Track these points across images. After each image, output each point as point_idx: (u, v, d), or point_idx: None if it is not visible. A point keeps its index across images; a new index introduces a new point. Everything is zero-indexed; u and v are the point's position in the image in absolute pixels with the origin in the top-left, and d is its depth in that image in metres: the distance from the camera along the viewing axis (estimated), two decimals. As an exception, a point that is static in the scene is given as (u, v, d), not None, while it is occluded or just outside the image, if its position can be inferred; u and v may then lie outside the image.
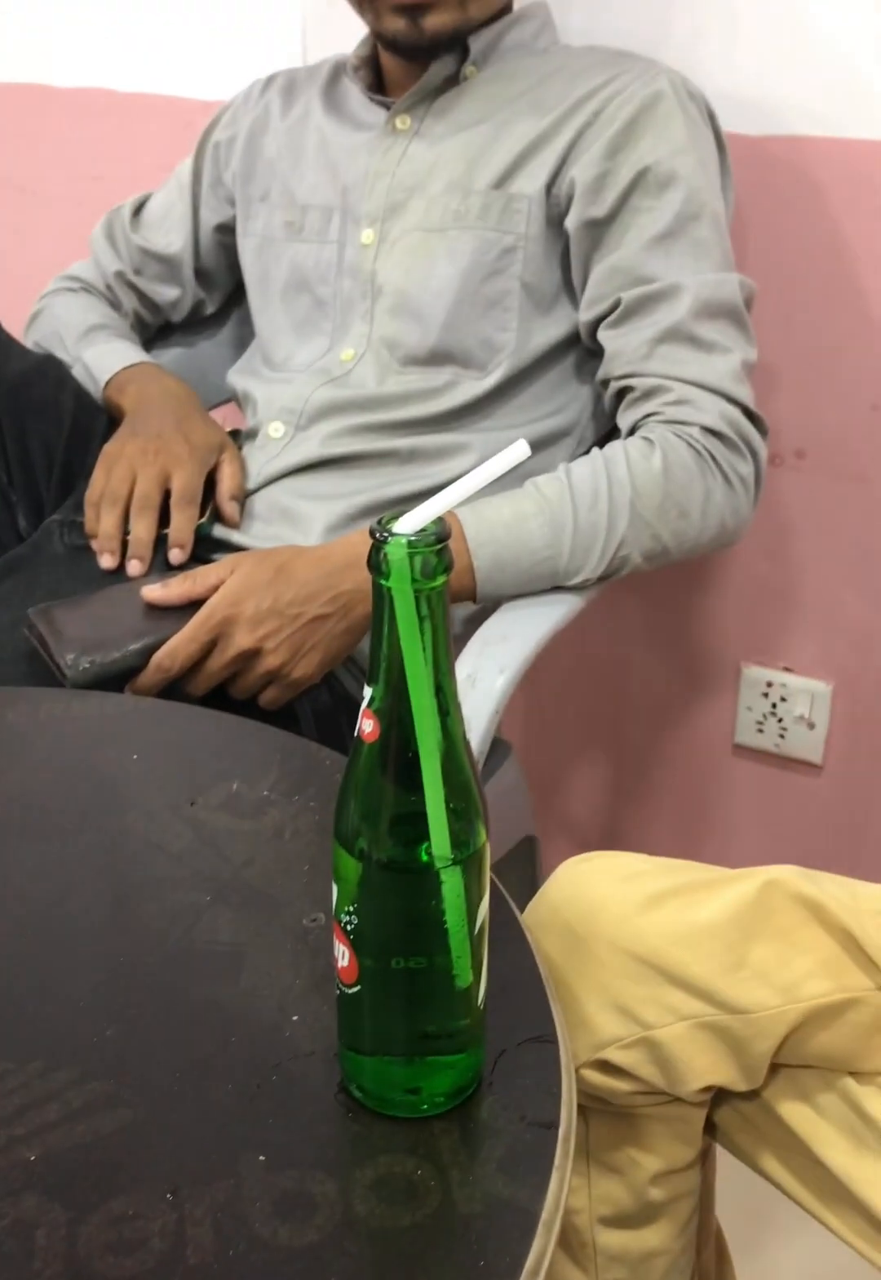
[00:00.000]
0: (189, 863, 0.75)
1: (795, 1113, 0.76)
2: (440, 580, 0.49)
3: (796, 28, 1.23)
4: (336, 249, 1.20)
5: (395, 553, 0.48)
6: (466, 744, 0.53)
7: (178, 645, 0.97)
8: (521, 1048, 0.62)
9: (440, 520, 0.49)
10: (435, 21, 1.09)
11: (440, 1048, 0.57)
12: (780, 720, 1.50)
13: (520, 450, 0.48)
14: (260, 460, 1.19)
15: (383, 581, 0.48)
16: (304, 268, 1.22)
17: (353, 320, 1.19)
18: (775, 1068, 0.76)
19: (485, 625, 1.03)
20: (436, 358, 1.14)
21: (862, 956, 0.72)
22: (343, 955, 0.56)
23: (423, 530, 0.48)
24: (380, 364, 1.16)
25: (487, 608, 1.07)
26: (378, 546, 0.48)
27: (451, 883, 0.53)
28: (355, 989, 0.56)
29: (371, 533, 0.48)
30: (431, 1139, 0.57)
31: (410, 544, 0.48)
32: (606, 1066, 0.75)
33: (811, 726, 1.48)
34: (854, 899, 0.74)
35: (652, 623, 1.54)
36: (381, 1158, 0.56)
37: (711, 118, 1.13)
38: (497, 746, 1.30)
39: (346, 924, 0.55)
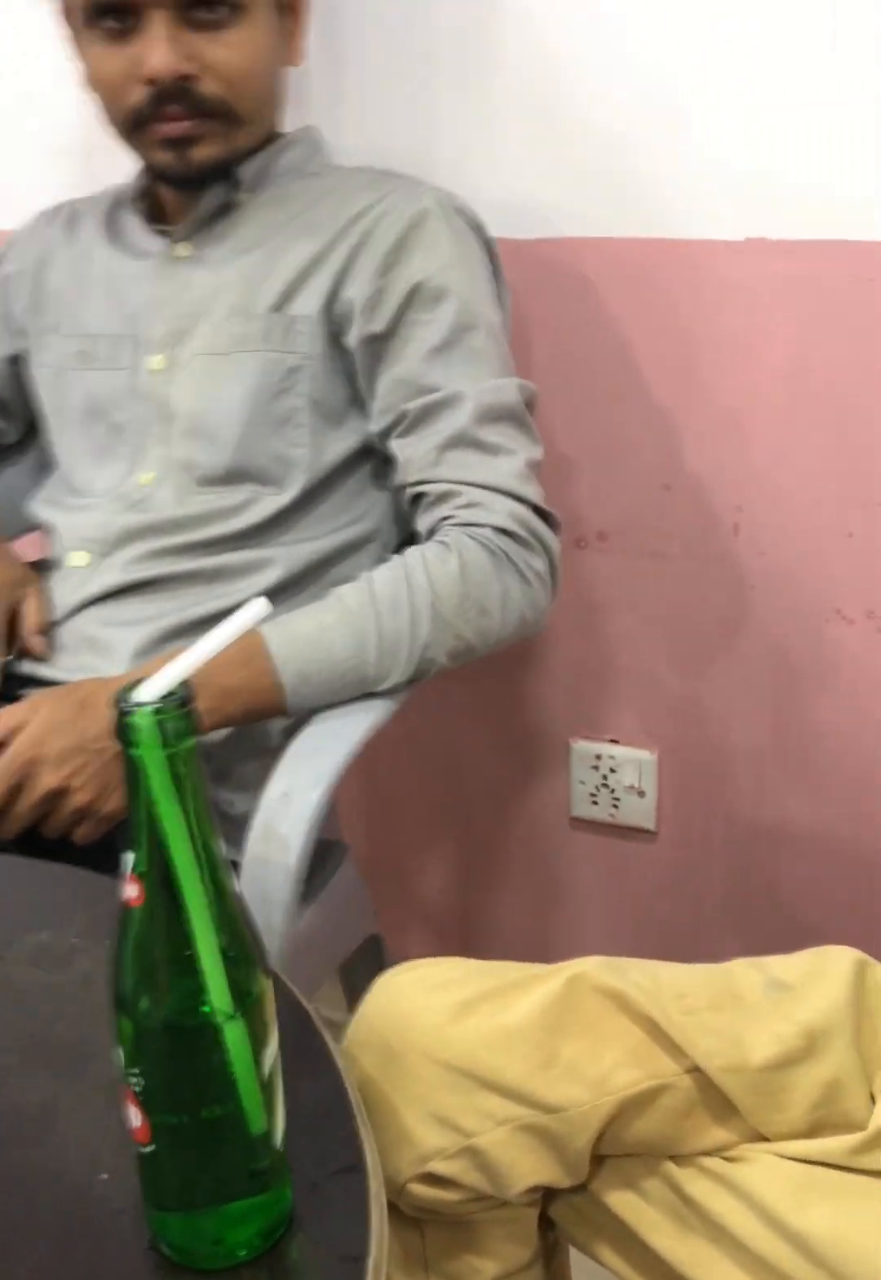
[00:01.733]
0: (-5, 1024, 0.73)
1: (622, 1201, 0.78)
2: (189, 742, 0.49)
3: (554, 137, 1.28)
4: (128, 375, 1.20)
5: (142, 721, 0.48)
6: (237, 894, 0.53)
7: (-20, 792, 0.95)
8: (332, 1180, 0.62)
9: (185, 682, 0.50)
10: (201, 153, 1.12)
11: (242, 1192, 0.57)
12: (612, 791, 1.53)
13: (258, 608, 0.50)
14: (64, 590, 1.18)
15: (132, 750, 0.49)
16: (98, 395, 1.22)
17: (148, 444, 1.19)
18: (600, 1159, 0.78)
19: (297, 738, 1.04)
20: (233, 476, 1.15)
21: (667, 1041, 0.74)
22: (134, 1116, 0.56)
23: (168, 695, 0.49)
24: (178, 486, 1.17)
25: (303, 718, 1.08)
26: (122, 716, 0.48)
27: (235, 1034, 0.53)
28: (151, 1148, 0.56)
29: (115, 703, 0.49)
30: (241, 1289, 0.57)
31: (157, 711, 0.48)
32: (433, 1178, 0.76)
33: (641, 794, 1.52)
34: (655, 984, 0.76)
35: (482, 708, 1.57)
36: (191, 1316, 0.55)
37: (479, 229, 1.17)
38: (333, 849, 1.31)
39: (134, 1085, 0.55)
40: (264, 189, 1.19)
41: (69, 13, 1.13)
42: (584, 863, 1.59)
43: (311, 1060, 0.69)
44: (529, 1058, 0.74)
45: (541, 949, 1.65)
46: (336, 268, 1.12)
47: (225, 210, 1.19)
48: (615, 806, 1.54)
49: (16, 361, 1.33)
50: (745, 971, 0.79)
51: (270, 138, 1.20)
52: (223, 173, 1.16)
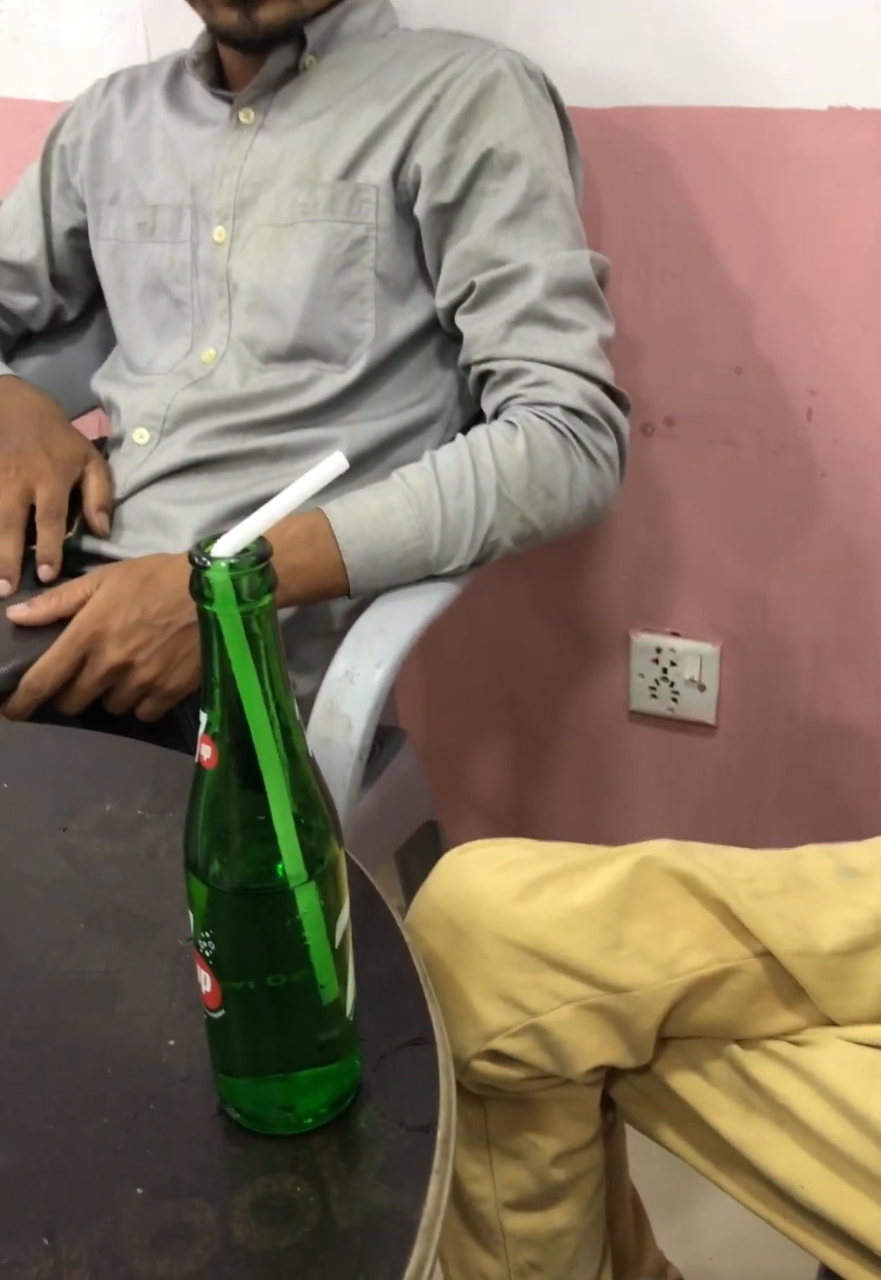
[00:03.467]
0: (61, 891, 0.73)
1: (686, 1083, 0.77)
2: (266, 600, 0.48)
3: (630, 2, 1.23)
4: (190, 248, 1.18)
5: (217, 577, 0.47)
6: (310, 758, 0.52)
7: (46, 665, 0.95)
8: (400, 1052, 0.62)
9: (261, 539, 0.48)
10: (267, 13, 1.08)
11: (312, 1061, 0.57)
12: (671, 685, 1.51)
13: (336, 463, 0.48)
14: (126, 468, 1.17)
15: (206, 606, 0.48)
16: (159, 269, 1.20)
17: (212, 320, 1.17)
18: (664, 1040, 0.78)
19: (360, 619, 1.03)
20: (296, 353, 1.13)
21: (737, 925, 0.73)
22: (205, 981, 0.55)
23: (244, 551, 0.48)
24: (241, 363, 1.14)
25: (365, 600, 1.07)
26: (198, 572, 0.47)
27: (307, 900, 0.53)
28: (221, 1013, 0.56)
29: (190, 558, 0.47)
30: (310, 1155, 0.57)
31: (231, 566, 0.47)
32: (497, 1056, 0.76)
33: (702, 689, 1.50)
34: (727, 868, 0.75)
35: (541, 598, 1.55)
36: (260, 1179, 0.56)
37: (552, 94, 1.13)
38: (392, 735, 1.31)
39: (205, 949, 0.54)
40: (331, 52, 1.15)
41: None
42: (641, 756, 1.58)
43: (379, 933, 0.69)
44: (596, 938, 0.73)
45: (596, 841, 1.64)
46: (405, 133, 1.08)
47: (290, 74, 1.15)
48: (675, 700, 1.52)
49: (76, 234, 1.31)
50: (816, 857, 0.77)
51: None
52: (289, 34, 1.12)
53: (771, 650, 1.45)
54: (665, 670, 1.51)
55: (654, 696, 1.53)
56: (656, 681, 1.52)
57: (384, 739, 1.29)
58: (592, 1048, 0.74)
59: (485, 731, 1.68)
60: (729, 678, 1.49)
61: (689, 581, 1.46)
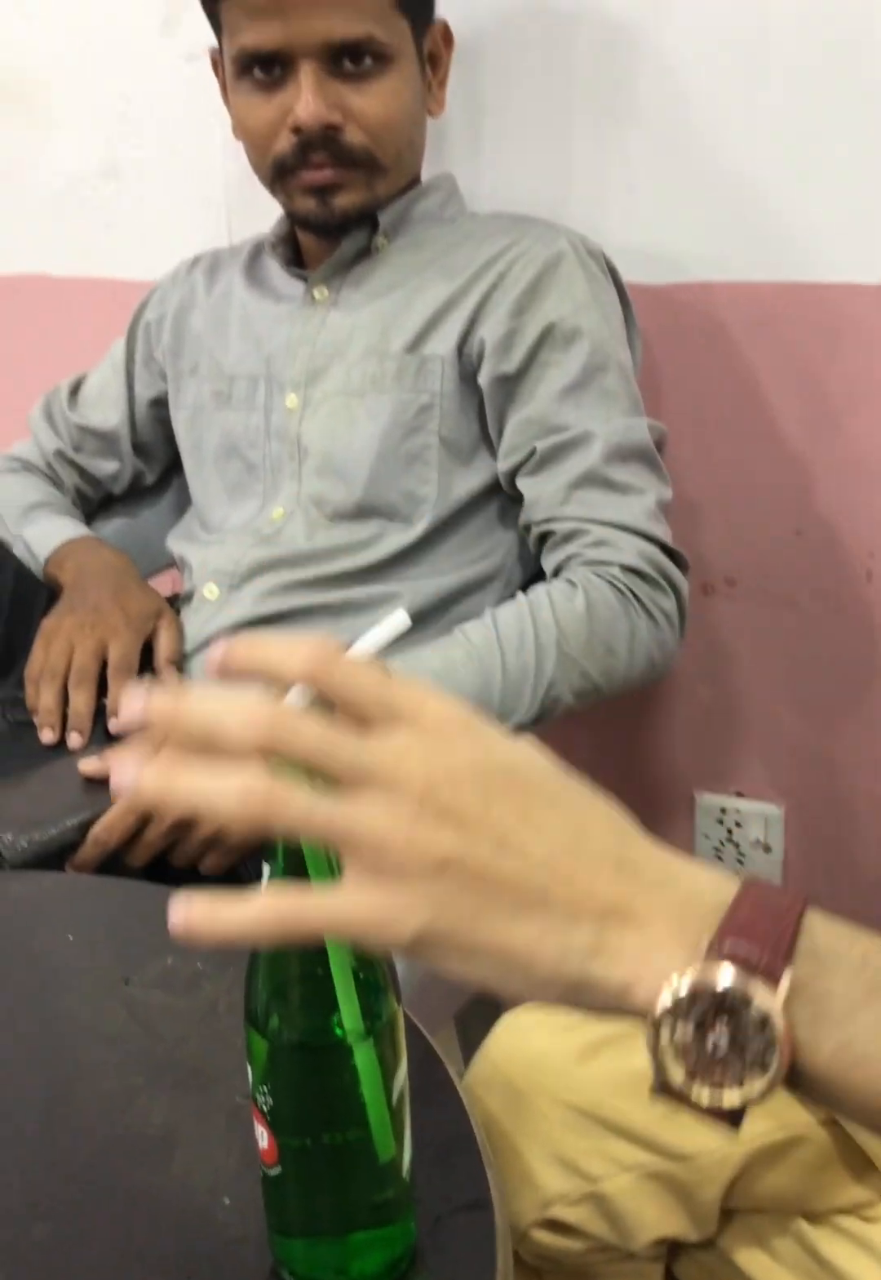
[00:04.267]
0: (122, 1045, 0.74)
1: (752, 1260, 0.75)
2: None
3: (689, 182, 1.28)
4: (263, 415, 1.23)
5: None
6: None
7: (113, 819, 0.97)
8: (456, 1215, 0.61)
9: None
10: (344, 201, 1.14)
11: (367, 1222, 0.56)
12: (737, 846, 1.50)
13: (399, 620, 0.49)
14: (196, 622, 1.20)
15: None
16: (234, 434, 1.25)
17: (282, 481, 1.22)
18: (729, 1213, 0.75)
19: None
20: (362, 512, 1.16)
21: (802, 1092, 0.72)
22: (262, 1136, 0.55)
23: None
24: (309, 521, 1.18)
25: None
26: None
27: (365, 1056, 0.53)
28: (277, 1170, 0.55)
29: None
30: (364, 1321, 0.56)
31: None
32: (556, 1225, 0.74)
33: (767, 850, 1.48)
34: (790, 1032, 0.73)
35: (604, 757, 1.55)
36: (313, 1345, 0.55)
37: (612, 272, 1.18)
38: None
39: (263, 1104, 0.55)
40: (401, 234, 1.21)
41: (221, 64, 1.17)
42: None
43: (435, 1093, 0.68)
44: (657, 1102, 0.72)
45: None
46: (471, 308, 1.13)
47: (363, 255, 1.22)
48: (740, 862, 1.50)
49: (157, 404, 1.37)
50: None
51: (410, 185, 1.22)
52: (363, 219, 1.18)
53: (837, 811, 1.43)
54: (730, 831, 1.50)
55: (719, 858, 1.51)
56: (722, 843, 1.51)
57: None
58: (654, 1218, 0.73)
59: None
60: (794, 839, 1.47)
61: (752, 741, 1.46)
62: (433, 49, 1.19)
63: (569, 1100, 0.73)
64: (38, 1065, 0.73)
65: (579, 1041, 0.75)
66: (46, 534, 1.29)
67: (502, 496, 1.19)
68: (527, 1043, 0.76)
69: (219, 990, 0.78)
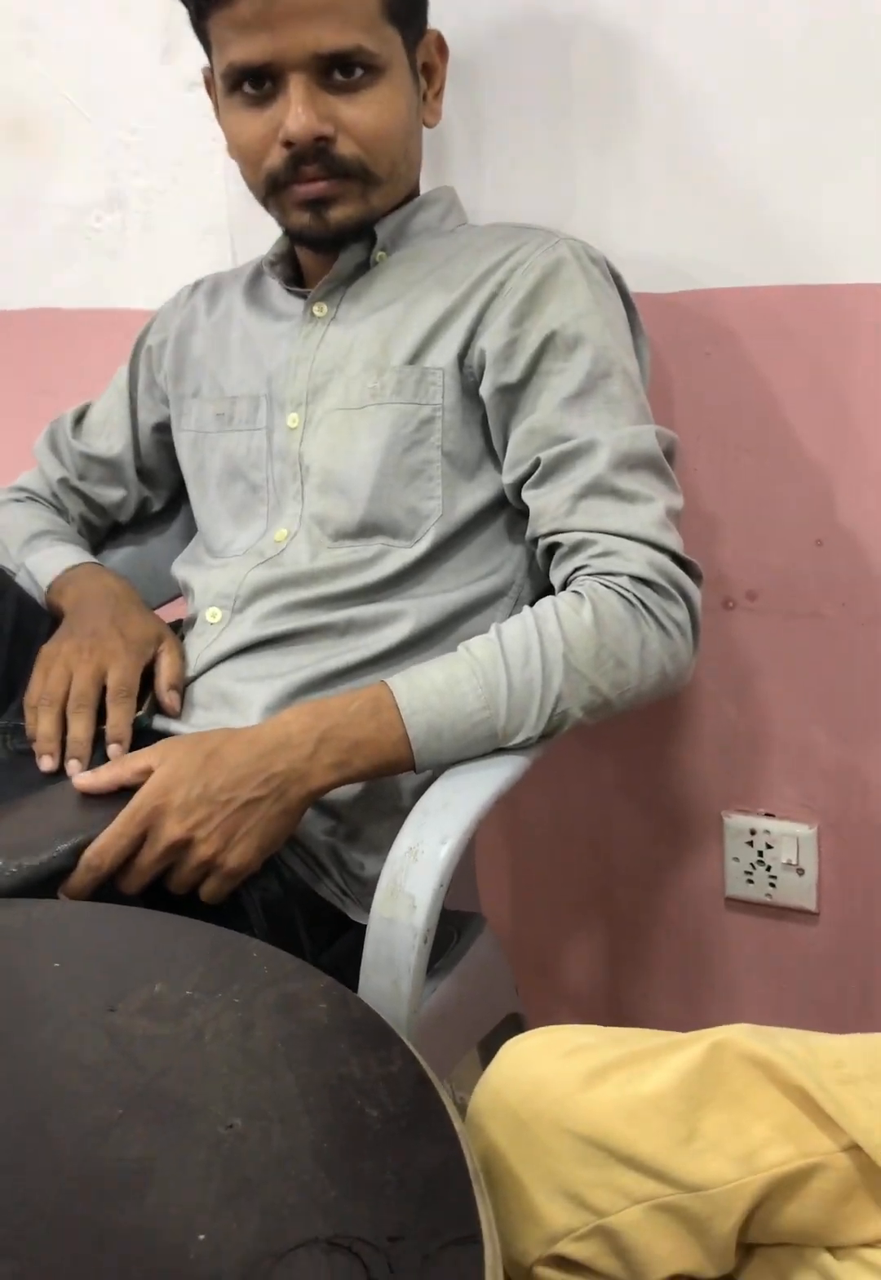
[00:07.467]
0: (102, 1074, 0.70)
1: (773, 1297, 0.70)
2: None
3: (694, 188, 1.25)
4: (265, 435, 1.21)
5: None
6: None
7: (106, 842, 0.94)
8: (446, 1250, 0.57)
9: None
10: (339, 213, 1.12)
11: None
12: (768, 868, 1.45)
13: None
14: (199, 646, 1.18)
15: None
16: (236, 456, 1.23)
17: (286, 502, 1.19)
18: (748, 1248, 0.71)
19: (426, 794, 1.00)
20: (366, 530, 1.14)
21: (822, 1116, 0.67)
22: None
23: None
24: (312, 541, 1.16)
25: (434, 776, 1.04)
26: None
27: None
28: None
29: None
30: (341, 1364, 0.52)
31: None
32: (563, 1262, 0.70)
33: (800, 872, 1.43)
34: (809, 1053, 0.69)
35: (630, 779, 1.51)
36: None
37: (616, 278, 1.15)
38: (471, 921, 1.26)
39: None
40: (400, 247, 1.19)
41: (213, 83, 1.16)
42: (739, 945, 1.51)
43: (428, 1123, 0.64)
44: (667, 1130, 0.68)
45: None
46: (471, 319, 1.11)
47: (362, 269, 1.20)
48: (772, 885, 1.45)
49: (160, 430, 1.36)
50: (911, 1042, 0.71)
51: (407, 197, 1.20)
52: (360, 233, 1.16)
53: (873, 830, 1.38)
54: (760, 853, 1.45)
55: (750, 881, 1.46)
56: (752, 866, 1.46)
57: (462, 926, 1.24)
58: (667, 1253, 0.68)
59: (575, 922, 1.62)
60: (828, 860, 1.42)
61: (781, 759, 1.41)
62: (426, 60, 1.17)
63: (574, 1129, 0.69)
64: (10, 1097, 0.70)
65: (583, 1066, 0.71)
66: (48, 561, 1.28)
67: (510, 511, 1.15)
68: (530, 1069, 0.72)
69: (206, 1017, 0.74)
